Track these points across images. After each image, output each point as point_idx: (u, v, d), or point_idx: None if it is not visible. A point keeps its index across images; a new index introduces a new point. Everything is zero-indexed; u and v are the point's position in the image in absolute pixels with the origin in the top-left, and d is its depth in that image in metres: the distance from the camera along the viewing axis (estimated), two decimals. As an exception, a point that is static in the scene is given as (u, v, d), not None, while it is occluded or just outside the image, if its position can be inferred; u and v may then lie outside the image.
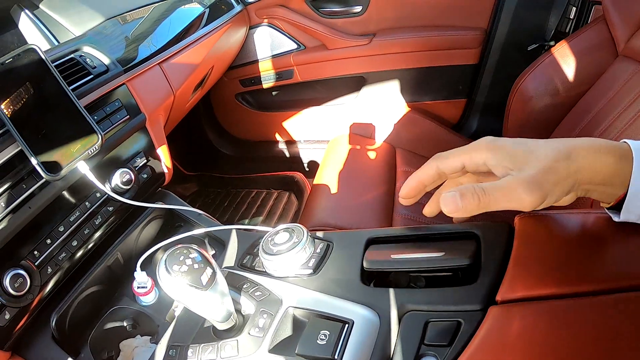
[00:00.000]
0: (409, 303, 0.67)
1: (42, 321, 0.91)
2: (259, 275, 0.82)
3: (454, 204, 0.51)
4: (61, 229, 0.94)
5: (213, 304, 0.67)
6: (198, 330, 0.78)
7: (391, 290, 0.71)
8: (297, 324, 0.72)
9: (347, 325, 0.67)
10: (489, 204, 0.50)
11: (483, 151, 0.53)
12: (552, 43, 1.74)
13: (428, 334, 0.62)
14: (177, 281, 0.64)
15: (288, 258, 0.78)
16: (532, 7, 1.77)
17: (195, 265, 0.65)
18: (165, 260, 0.65)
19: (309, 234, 0.82)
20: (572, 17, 1.69)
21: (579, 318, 0.52)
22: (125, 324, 0.99)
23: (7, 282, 0.82)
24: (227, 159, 2.38)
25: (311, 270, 0.78)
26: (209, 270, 0.66)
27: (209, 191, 2.23)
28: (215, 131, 2.36)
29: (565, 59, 1.45)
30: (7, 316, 0.82)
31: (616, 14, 1.37)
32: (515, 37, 1.82)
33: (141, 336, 0.98)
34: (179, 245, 0.68)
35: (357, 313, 0.68)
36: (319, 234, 0.87)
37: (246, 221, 1.91)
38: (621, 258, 0.58)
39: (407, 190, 0.65)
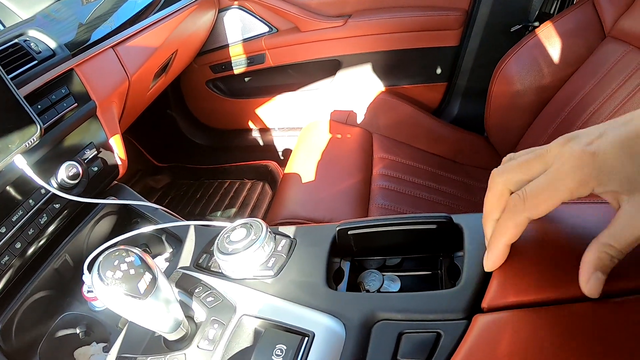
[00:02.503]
0: (380, 310, 0.59)
1: (-15, 331, 0.84)
2: (215, 277, 0.74)
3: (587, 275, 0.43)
4: (2, 230, 0.86)
5: (156, 314, 0.59)
6: (149, 340, 0.71)
7: (360, 295, 0.64)
8: (254, 334, 0.65)
9: (307, 338, 0.59)
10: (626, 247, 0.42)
11: (590, 182, 0.41)
12: (536, 24, 1.69)
13: (402, 347, 0.55)
14: (111, 290, 0.56)
15: (245, 257, 0.71)
16: (516, -14, 1.70)
17: (132, 271, 0.57)
18: (99, 266, 0.57)
19: (269, 229, 0.74)
20: (556, -3, 1.64)
21: (578, 326, 0.45)
22: (77, 331, 0.92)
23: (-57, 288, 0.75)
24: (199, 149, 2.30)
25: (272, 272, 0.70)
26: (147, 276, 0.57)
27: (181, 183, 2.17)
28: (187, 120, 2.28)
29: (551, 41, 1.40)
30: (-56, 325, 0.75)
31: (603, -6, 1.32)
32: (498, 18, 1.76)
33: (97, 343, 0.91)
34: (118, 247, 0.60)
35: (320, 323, 0.61)
36: (284, 229, 0.79)
37: (219, 213, 1.84)
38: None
39: (496, 260, 0.51)
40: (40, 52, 1.00)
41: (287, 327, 0.62)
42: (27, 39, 1.03)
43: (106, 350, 0.88)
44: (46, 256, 0.94)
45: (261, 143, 2.23)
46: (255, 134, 2.23)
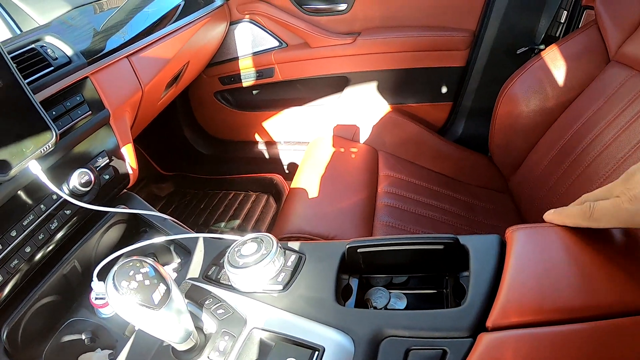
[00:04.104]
0: (388, 327, 0.61)
1: (-9, 333, 0.84)
2: (224, 290, 0.75)
3: None
4: (13, 233, 0.86)
5: (168, 324, 0.60)
6: (157, 349, 0.71)
7: (368, 312, 0.66)
8: (263, 348, 0.66)
9: (317, 352, 0.60)
10: None
11: None
12: (542, 47, 1.71)
13: None
14: (125, 300, 0.56)
15: (255, 272, 0.72)
16: (523, 9, 1.72)
17: (147, 282, 0.58)
18: (114, 276, 0.58)
19: (280, 244, 0.75)
20: (563, 21, 1.66)
21: (577, 346, 0.48)
22: (83, 337, 0.92)
23: (-48, 291, 0.75)
24: (205, 159, 2.31)
25: (281, 287, 0.71)
26: (162, 287, 0.58)
27: (185, 192, 2.17)
28: (193, 130, 2.29)
29: (556, 63, 1.41)
30: (-48, 328, 0.75)
31: (608, 19, 1.33)
32: (505, 40, 1.77)
33: (101, 350, 0.91)
34: (132, 258, 0.61)
35: (329, 338, 0.62)
36: (292, 244, 0.80)
37: (222, 224, 1.85)
38: (619, 279, 0.54)
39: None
40: (56, 58, 1.01)
41: (297, 341, 0.63)
42: (44, 44, 1.03)
43: (112, 357, 0.88)
44: (55, 262, 0.94)
45: (267, 156, 2.24)
46: (261, 146, 2.23)
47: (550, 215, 0.63)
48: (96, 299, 0.91)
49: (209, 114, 2.23)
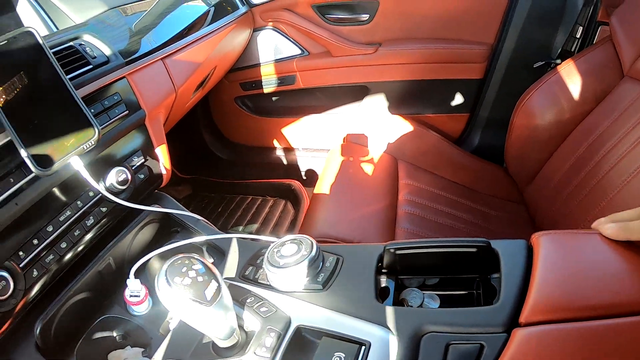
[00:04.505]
0: (427, 323, 0.64)
1: (25, 328, 0.85)
2: (263, 289, 0.77)
3: None
4: (50, 228, 0.87)
5: (216, 320, 0.61)
6: (196, 346, 0.73)
7: (408, 310, 0.68)
8: (307, 344, 0.67)
9: (363, 347, 0.62)
10: None
11: None
12: (558, 61, 1.72)
13: (449, 357, 0.59)
14: (178, 295, 0.58)
15: (295, 272, 0.73)
16: (540, 24, 1.74)
17: (199, 278, 0.59)
18: (166, 271, 0.59)
19: (318, 247, 0.77)
20: (578, 36, 1.67)
21: (609, 341, 0.51)
22: (115, 335, 0.93)
23: (-12, 285, 0.76)
24: (222, 163, 2.32)
25: (320, 286, 0.73)
26: (213, 284, 0.60)
27: (202, 195, 2.18)
28: (212, 134, 2.31)
29: (571, 78, 1.42)
30: (-13, 322, 0.76)
31: (623, 34, 1.35)
32: (522, 53, 1.79)
33: (132, 347, 0.92)
34: (180, 255, 0.63)
35: (374, 334, 0.64)
36: (327, 246, 0.82)
37: (240, 228, 1.86)
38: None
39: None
40: (95, 57, 1.02)
41: (344, 337, 0.64)
42: (82, 43, 1.05)
43: (146, 354, 0.89)
44: (90, 258, 0.96)
45: (285, 162, 2.25)
46: (279, 152, 2.25)
47: (611, 230, 0.61)
48: (130, 296, 0.92)
49: (229, 119, 2.25)
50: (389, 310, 0.67)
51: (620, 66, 1.35)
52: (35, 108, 0.81)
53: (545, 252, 0.62)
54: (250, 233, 1.82)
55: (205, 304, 0.58)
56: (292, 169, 2.25)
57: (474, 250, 0.73)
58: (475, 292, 0.76)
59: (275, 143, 2.23)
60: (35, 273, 0.84)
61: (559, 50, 1.74)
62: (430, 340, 0.62)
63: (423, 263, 0.77)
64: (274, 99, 2.11)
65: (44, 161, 0.79)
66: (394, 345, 0.63)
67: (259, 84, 2.03)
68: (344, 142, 1.81)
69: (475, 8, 1.76)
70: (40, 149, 0.79)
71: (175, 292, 0.58)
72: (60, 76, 0.85)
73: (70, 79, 0.89)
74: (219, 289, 0.60)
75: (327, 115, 2.08)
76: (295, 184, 2.02)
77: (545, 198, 1.43)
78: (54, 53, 0.87)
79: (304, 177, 2.24)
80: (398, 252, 0.75)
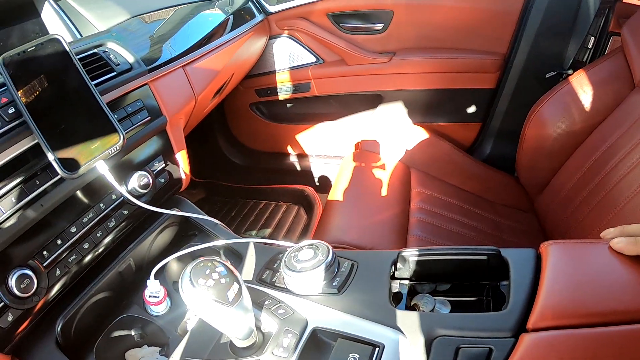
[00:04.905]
0: (438, 327, 0.66)
1: (46, 325, 0.87)
2: (280, 292, 0.79)
3: None
4: (73, 229, 0.90)
5: (237, 321, 0.64)
6: (214, 346, 0.75)
7: (420, 314, 0.70)
8: (323, 345, 0.70)
9: (377, 348, 0.65)
10: None
11: None
12: (569, 72, 1.72)
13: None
14: (202, 296, 0.61)
15: (312, 276, 0.76)
16: (552, 35, 1.75)
17: (222, 280, 0.62)
18: (190, 273, 0.62)
19: (334, 252, 0.79)
20: (590, 47, 1.68)
21: (615, 347, 0.53)
22: (133, 333, 0.96)
23: (12, 282, 0.79)
24: (236, 168, 2.35)
25: (336, 290, 0.75)
26: (235, 286, 0.63)
27: (215, 199, 2.20)
28: (227, 139, 2.34)
29: (583, 88, 1.43)
30: (10, 318, 0.79)
31: (634, 45, 1.35)
32: (534, 64, 1.80)
33: (148, 346, 0.95)
34: (203, 258, 0.65)
35: (387, 336, 0.67)
36: (343, 252, 0.84)
37: (253, 232, 1.88)
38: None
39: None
40: (119, 64, 1.05)
41: (358, 339, 0.67)
42: (106, 50, 1.07)
43: (163, 353, 0.92)
44: (111, 259, 0.98)
45: (298, 168, 2.27)
46: (293, 158, 2.26)
47: (621, 245, 0.62)
48: (150, 296, 0.94)
49: (243, 125, 2.28)
50: (402, 314, 0.69)
51: (631, 77, 1.36)
52: (63, 113, 0.84)
53: (554, 261, 0.65)
54: (263, 237, 1.83)
55: (227, 304, 0.61)
56: (305, 175, 2.27)
57: (484, 258, 0.75)
58: (485, 298, 0.78)
59: (289, 149, 2.25)
60: (57, 272, 0.86)
61: (571, 60, 1.74)
62: (441, 343, 0.64)
63: (435, 270, 0.79)
64: (288, 105, 2.13)
65: (70, 164, 0.82)
66: (406, 348, 0.65)
67: (274, 90, 2.06)
68: (357, 149, 1.83)
69: (488, 18, 1.78)
70: (66, 153, 0.82)
71: (198, 292, 0.61)
72: (86, 82, 0.88)
73: (95, 85, 0.91)
74: (240, 290, 0.63)
75: (340, 123, 2.10)
76: (309, 189, 2.03)
77: (556, 208, 1.44)
78: (79, 59, 0.89)
79: (317, 184, 2.26)
80: (411, 258, 0.78)
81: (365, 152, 1.77)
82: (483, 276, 0.77)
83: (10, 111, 0.79)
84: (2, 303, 0.78)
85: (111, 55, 1.06)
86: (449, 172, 1.72)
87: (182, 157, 1.15)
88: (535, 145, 1.55)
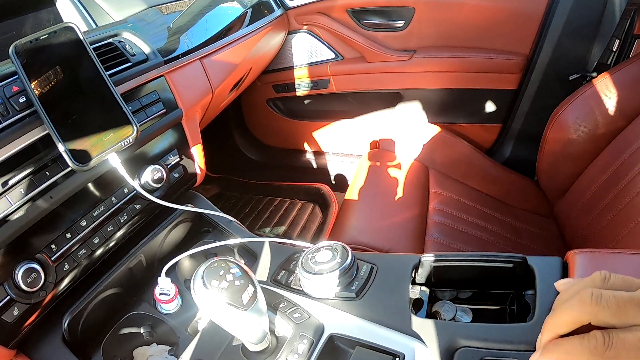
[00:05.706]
0: (461, 337, 0.64)
1: (53, 321, 0.86)
2: (296, 294, 0.76)
3: None
4: (83, 223, 0.88)
5: (250, 325, 0.61)
6: (225, 348, 0.72)
7: (442, 323, 0.68)
8: (340, 353, 0.67)
9: (397, 359, 0.62)
10: None
11: None
12: (594, 74, 1.69)
13: None
14: (215, 298, 0.58)
15: (330, 279, 0.73)
16: (576, 37, 1.71)
17: (237, 282, 0.59)
18: (203, 274, 0.59)
19: (353, 255, 0.76)
20: (615, 49, 1.64)
21: None
22: (141, 331, 0.93)
23: (19, 275, 0.77)
24: (251, 164, 2.33)
25: (354, 294, 0.72)
26: (250, 289, 0.60)
27: (230, 195, 2.18)
28: (243, 135, 2.32)
29: (607, 92, 1.40)
30: (16, 312, 0.77)
31: (659, 48, 1.32)
32: (557, 65, 1.76)
33: (157, 345, 0.92)
34: (217, 258, 0.62)
35: (407, 345, 0.64)
36: (362, 254, 0.81)
37: (267, 230, 1.85)
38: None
39: None
40: (134, 55, 1.02)
41: (378, 347, 0.64)
42: (122, 40, 1.05)
43: (172, 353, 0.89)
44: (121, 254, 0.96)
45: (314, 165, 2.25)
46: (309, 155, 2.24)
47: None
48: (160, 294, 0.92)
49: (260, 120, 2.26)
50: (423, 323, 0.67)
51: (656, 81, 1.32)
52: (74, 103, 0.81)
53: (581, 270, 0.63)
54: (277, 235, 1.81)
55: (241, 308, 0.58)
56: (321, 173, 2.25)
57: (510, 265, 0.72)
58: (508, 307, 0.75)
59: (306, 146, 2.23)
60: (66, 266, 0.84)
61: (595, 63, 1.71)
62: (464, 354, 0.61)
63: (457, 276, 0.77)
64: (306, 102, 2.11)
65: (81, 156, 0.79)
66: (427, 359, 0.62)
67: (291, 86, 2.03)
68: (375, 147, 1.80)
69: (511, 18, 1.74)
70: (78, 144, 0.79)
71: (211, 294, 0.58)
72: (100, 72, 0.85)
73: (109, 76, 0.89)
74: (255, 293, 0.60)
75: (358, 121, 2.07)
76: (325, 188, 2.00)
77: (576, 214, 1.41)
78: (94, 49, 0.87)
79: (333, 182, 2.24)
80: (434, 264, 0.75)
81: (383, 151, 1.74)
82: (507, 284, 0.75)
83: (21, 100, 0.77)
84: (8, 297, 0.76)
85: (127, 46, 1.03)
86: (467, 174, 1.69)
87: (197, 152, 1.13)
88: (556, 149, 1.52)
